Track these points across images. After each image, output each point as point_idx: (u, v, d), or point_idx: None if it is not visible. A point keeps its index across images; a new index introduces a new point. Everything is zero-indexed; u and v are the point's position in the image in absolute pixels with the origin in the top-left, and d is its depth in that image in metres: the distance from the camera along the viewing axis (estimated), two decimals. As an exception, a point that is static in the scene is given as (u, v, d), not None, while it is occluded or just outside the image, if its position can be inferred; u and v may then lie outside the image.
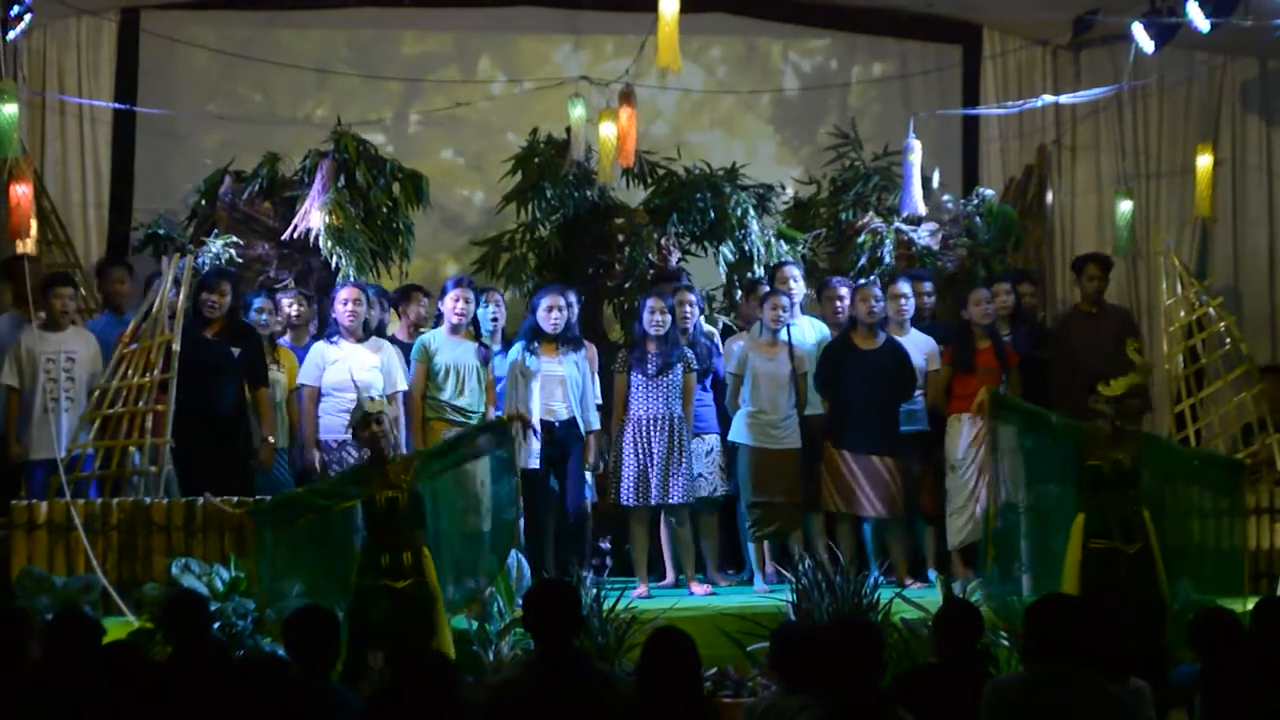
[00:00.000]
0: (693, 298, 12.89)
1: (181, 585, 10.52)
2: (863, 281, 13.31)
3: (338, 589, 10.04)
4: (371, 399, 10.64)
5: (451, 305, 12.30)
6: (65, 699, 6.79)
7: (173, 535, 11.28)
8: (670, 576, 12.68)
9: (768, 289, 12.94)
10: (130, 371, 11.77)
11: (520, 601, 8.80)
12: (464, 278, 12.84)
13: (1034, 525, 11.13)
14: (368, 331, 12.50)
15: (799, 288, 13.03)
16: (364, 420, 10.32)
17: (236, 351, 12.23)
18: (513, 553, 11.36)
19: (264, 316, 12.74)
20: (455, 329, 12.30)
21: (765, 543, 12.55)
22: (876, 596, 10.99)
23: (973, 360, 12.68)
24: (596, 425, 12.51)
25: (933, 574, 12.38)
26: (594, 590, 10.89)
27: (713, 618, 11.02)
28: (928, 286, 13.48)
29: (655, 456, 12.27)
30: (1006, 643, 10.49)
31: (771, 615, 10.78)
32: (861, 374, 12.53)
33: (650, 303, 12.42)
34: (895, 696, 7.02)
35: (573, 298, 12.63)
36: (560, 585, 7.86)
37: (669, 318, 12.38)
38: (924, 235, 14.26)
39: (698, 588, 12.33)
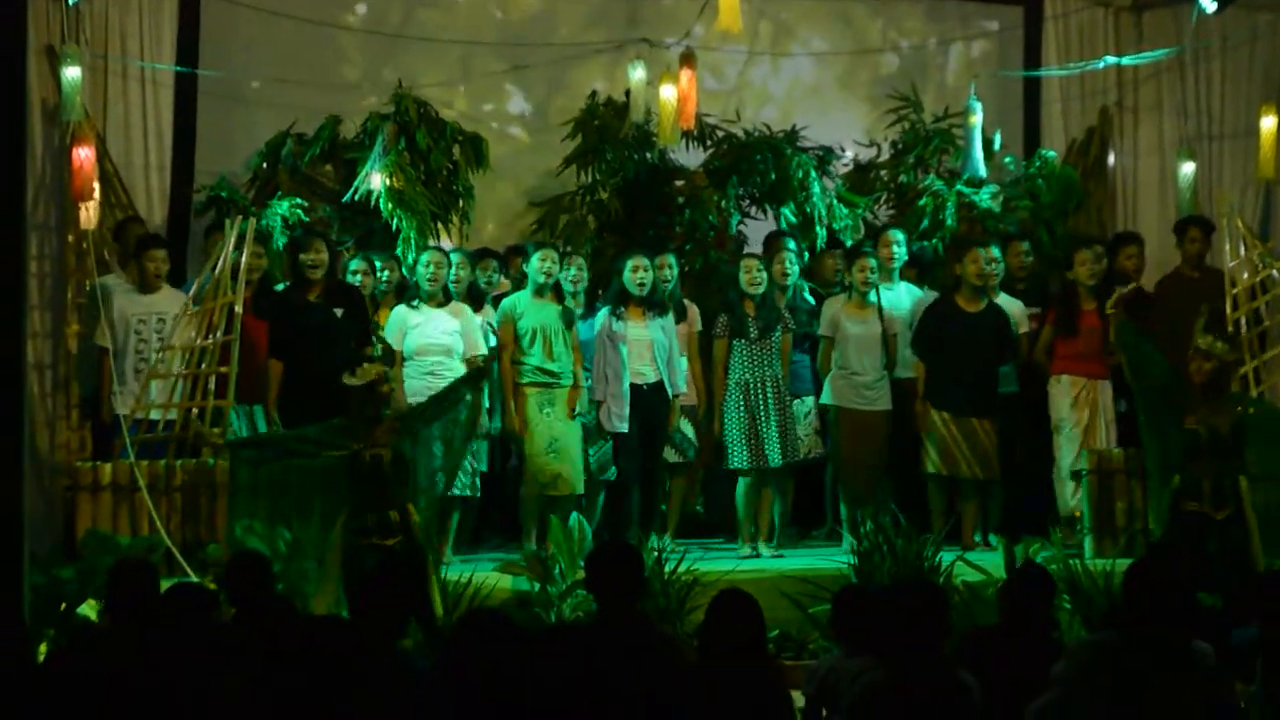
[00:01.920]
0: (793, 256, 12.90)
1: (245, 546, 10.56)
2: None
3: (320, 538, 10.05)
4: (370, 361, 10.45)
5: (538, 266, 12.27)
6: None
7: (237, 496, 11.33)
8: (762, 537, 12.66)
9: (862, 251, 12.94)
10: (194, 334, 11.80)
11: (583, 563, 8.78)
12: (548, 241, 12.85)
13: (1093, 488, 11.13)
14: (460, 296, 12.52)
15: (900, 251, 13.05)
16: (375, 381, 10.23)
17: (340, 313, 12.24)
18: (574, 514, 11.39)
19: (359, 278, 12.75)
20: (540, 291, 12.27)
21: (859, 506, 12.52)
22: (938, 559, 10.97)
23: (1077, 322, 12.69)
24: (684, 389, 12.55)
25: (994, 538, 12.34)
26: (656, 553, 10.87)
27: (774, 580, 11.02)
28: (1024, 247, 13.46)
29: (766, 419, 12.29)
30: (1069, 606, 10.45)
31: (833, 578, 10.78)
32: (964, 336, 12.56)
33: (745, 263, 12.48)
34: (959, 658, 6.96)
35: (670, 261, 12.67)
36: (623, 547, 7.84)
37: (765, 276, 12.39)
38: (985, 198, 14.17)
39: (766, 550, 12.33)
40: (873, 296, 12.61)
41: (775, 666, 7.53)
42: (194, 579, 10.59)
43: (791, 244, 13.11)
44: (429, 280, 12.23)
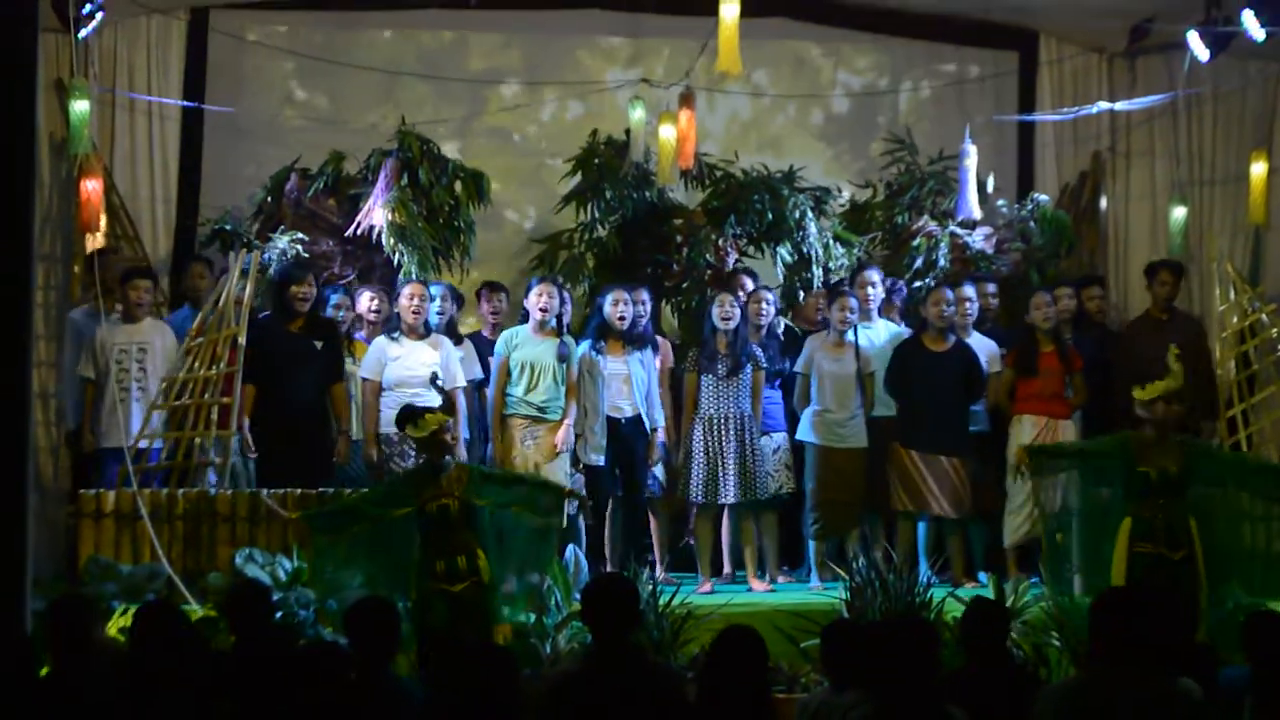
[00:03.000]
0: (769, 296, 12.97)
1: (245, 575, 10.58)
2: (914, 283, 13.40)
3: (398, 587, 10.03)
4: (431, 411, 10.48)
5: (535, 301, 12.31)
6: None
7: (237, 526, 11.41)
8: (728, 570, 12.71)
9: (841, 290, 12.97)
10: (197, 364, 11.84)
11: (578, 595, 8.78)
12: (549, 275, 12.87)
13: (1085, 529, 11.12)
14: (448, 330, 12.63)
15: (877, 292, 13.06)
16: (437, 431, 10.25)
17: (319, 345, 12.31)
18: (570, 546, 11.41)
19: (340, 312, 12.82)
20: (540, 326, 12.31)
21: (824, 541, 12.56)
22: (929, 595, 11.00)
23: (1035, 363, 12.70)
24: (662, 422, 12.54)
25: (983, 575, 12.35)
26: (650, 585, 10.89)
27: (767, 614, 10.99)
28: (991, 288, 13.53)
29: (725, 455, 12.33)
30: (1058, 643, 10.48)
31: (825, 612, 10.75)
32: (931, 375, 12.58)
33: (720, 298, 12.51)
34: (945, 694, 6.97)
35: (645, 296, 12.67)
36: (619, 580, 7.85)
37: (737, 312, 12.42)
38: (978, 239, 14.23)
39: (757, 584, 12.42)
40: (850, 335, 12.63)
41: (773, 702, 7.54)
42: (195, 606, 10.62)
43: (770, 293, 13.18)
44: (411, 313, 12.27)
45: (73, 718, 6.51)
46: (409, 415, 10.41)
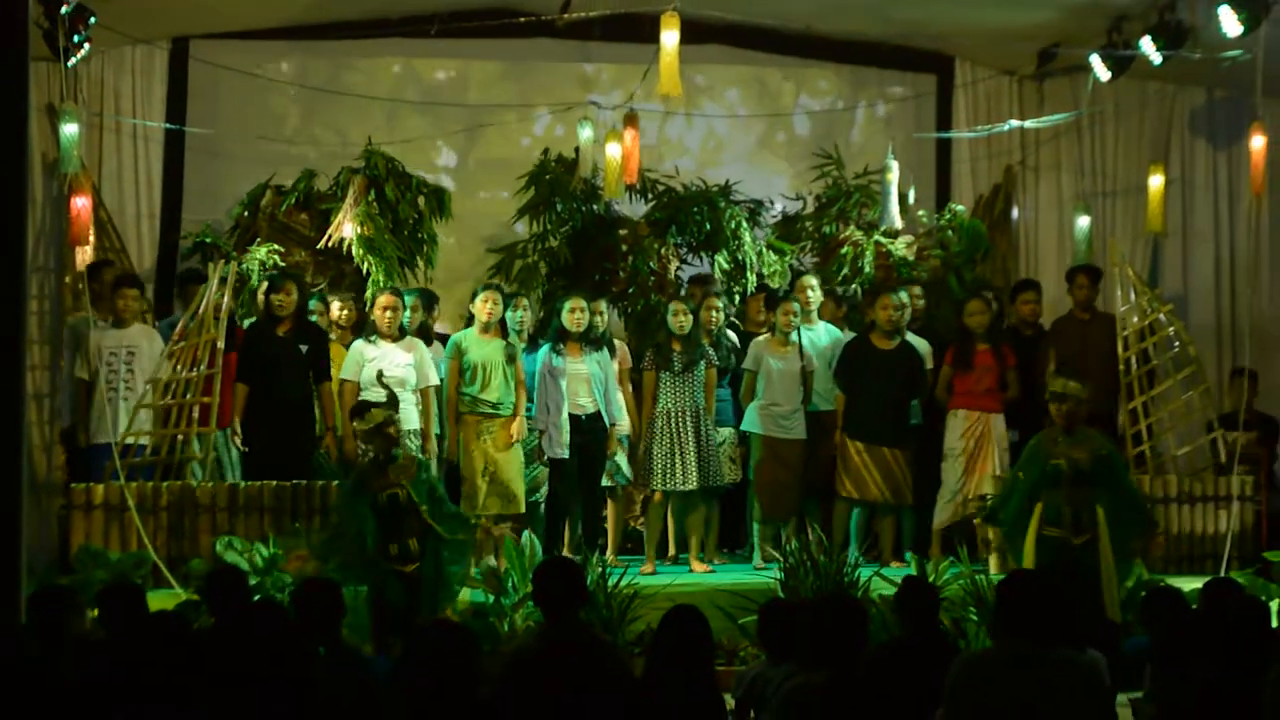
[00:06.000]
0: (719, 303, 13.05)
1: (224, 561, 10.56)
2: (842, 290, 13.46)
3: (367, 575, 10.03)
4: (377, 406, 10.47)
5: (481, 306, 12.29)
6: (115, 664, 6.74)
7: (217, 515, 11.42)
8: (672, 553, 12.78)
9: (784, 295, 13.03)
10: (180, 366, 11.80)
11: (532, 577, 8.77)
12: (492, 283, 12.85)
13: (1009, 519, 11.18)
14: (420, 332, 12.64)
15: (815, 295, 13.10)
16: (382, 424, 10.24)
17: (304, 348, 12.29)
18: (525, 532, 11.41)
19: (314, 318, 12.77)
20: (485, 328, 12.28)
21: (768, 524, 12.58)
22: (857, 575, 11.01)
23: (971, 359, 12.76)
24: (621, 419, 12.60)
25: (908, 555, 12.40)
26: (600, 568, 10.89)
27: (708, 593, 11.01)
28: (918, 291, 13.54)
29: (684, 444, 12.34)
30: (975, 618, 10.51)
31: (762, 591, 10.76)
32: (878, 372, 12.67)
33: (674, 306, 12.56)
34: (870, 667, 6.97)
35: (602, 305, 12.73)
36: (566, 563, 7.80)
37: (691, 318, 12.47)
38: (900, 247, 14.25)
39: (698, 565, 12.42)
40: (794, 336, 12.66)
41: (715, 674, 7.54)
42: (178, 590, 10.59)
43: (718, 291, 13.33)
44: (385, 321, 12.23)
45: (54, 706, 6.41)
46: (357, 409, 10.53)
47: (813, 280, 13.27)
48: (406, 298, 12.55)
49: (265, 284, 12.48)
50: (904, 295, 13.00)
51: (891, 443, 12.66)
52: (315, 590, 7.37)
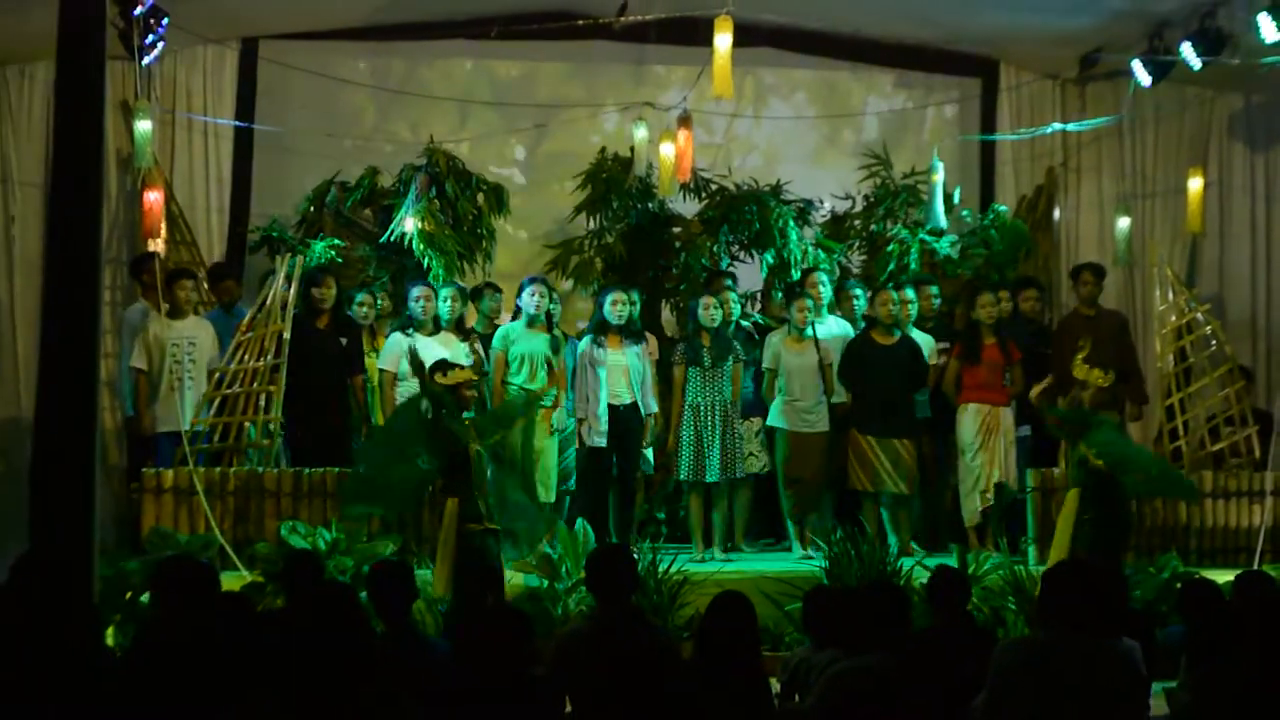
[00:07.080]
0: (733, 296, 13.00)
1: (290, 545, 10.63)
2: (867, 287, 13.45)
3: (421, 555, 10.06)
4: (463, 368, 10.55)
5: (527, 300, 12.32)
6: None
7: (282, 500, 11.45)
8: (714, 542, 12.71)
9: (796, 291, 12.96)
10: (246, 356, 11.87)
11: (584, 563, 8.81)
12: (538, 276, 12.87)
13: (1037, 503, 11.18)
14: (457, 325, 12.58)
15: (825, 291, 13.05)
16: (462, 384, 10.26)
17: (343, 340, 12.40)
18: (579, 519, 11.44)
19: (364, 309, 12.82)
20: (531, 321, 12.31)
21: (800, 520, 12.57)
22: (899, 564, 11.03)
23: (979, 354, 12.67)
24: (655, 409, 12.55)
25: (913, 544, 12.50)
26: (651, 555, 10.91)
27: (755, 580, 10.98)
28: (933, 290, 13.46)
29: (709, 439, 12.31)
30: (1014, 607, 10.50)
31: (807, 579, 10.77)
32: (881, 367, 12.59)
33: (704, 300, 12.49)
34: (910, 654, 6.98)
35: (635, 295, 12.70)
36: (619, 550, 7.87)
37: (720, 313, 12.44)
38: (945, 246, 14.22)
39: (718, 551, 12.41)
40: (809, 331, 12.61)
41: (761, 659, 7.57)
42: (244, 572, 10.66)
43: (731, 284, 13.32)
44: (420, 311, 12.28)
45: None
46: (440, 364, 10.47)
47: (823, 275, 13.23)
48: (442, 291, 12.57)
49: (303, 278, 12.52)
50: (909, 291, 12.94)
51: (900, 434, 12.57)
52: (388, 571, 7.39)
